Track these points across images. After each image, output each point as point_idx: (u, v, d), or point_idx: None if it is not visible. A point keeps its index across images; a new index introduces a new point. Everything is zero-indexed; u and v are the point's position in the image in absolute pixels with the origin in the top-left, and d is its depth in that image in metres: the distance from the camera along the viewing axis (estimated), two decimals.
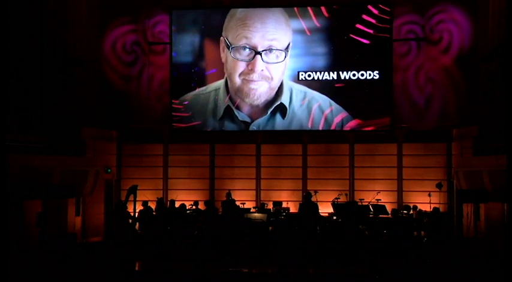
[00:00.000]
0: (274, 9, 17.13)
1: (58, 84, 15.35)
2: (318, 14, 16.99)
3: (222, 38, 17.12)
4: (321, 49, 17.00)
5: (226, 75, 17.18)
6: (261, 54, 16.85)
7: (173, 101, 17.49)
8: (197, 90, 17.41)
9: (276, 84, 16.97)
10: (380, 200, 15.71)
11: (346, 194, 16.86)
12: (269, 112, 16.99)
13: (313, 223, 13.85)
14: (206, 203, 16.11)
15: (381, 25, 16.74)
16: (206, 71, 17.46)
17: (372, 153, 17.39)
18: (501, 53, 14.06)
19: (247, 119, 17.11)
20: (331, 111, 16.93)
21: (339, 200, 15.71)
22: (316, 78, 16.94)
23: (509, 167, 9.98)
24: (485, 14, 15.43)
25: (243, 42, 16.98)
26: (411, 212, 15.52)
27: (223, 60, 17.20)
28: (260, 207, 16.74)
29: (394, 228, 14.16)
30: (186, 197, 17.15)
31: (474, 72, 16.10)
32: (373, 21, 16.74)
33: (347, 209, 14.92)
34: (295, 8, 17.05)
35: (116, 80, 17.93)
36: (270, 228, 14.59)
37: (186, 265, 12.10)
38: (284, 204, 16.90)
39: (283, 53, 16.89)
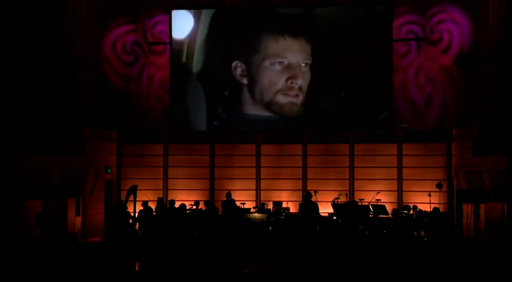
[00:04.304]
0: None
1: (58, 84, 15.35)
2: None
3: None
4: None
5: None
6: None
7: None
8: None
9: None
10: (380, 200, 15.71)
11: (346, 194, 16.87)
12: None
13: (313, 223, 13.85)
14: (206, 203, 16.11)
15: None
16: None
17: (372, 153, 17.40)
18: (501, 53, 14.07)
19: None
20: None
21: (339, 200, 15.71)
22: None
23: (509, 167, 9.96)
24: (485, 14, 15.44)
25: None
26: (411, 212, 15.51)
27: None
28: (260, 207, 16.73)
29: (394, 228, 14.16)
30: (186, 197, 17.18)
31: (474, 72, 16.13)
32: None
33: (347, 209, 14.91)
34: None
35: (116, 80, 17.95)
36: (270, 228, 14.59)
37: (186, 265, 12.09)
38: (284, 204, 16.90)
39: None
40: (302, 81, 16.94)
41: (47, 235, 13.76)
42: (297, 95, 16.98)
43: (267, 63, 17.09)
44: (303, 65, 16.93)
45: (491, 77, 14.95)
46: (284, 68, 16.97)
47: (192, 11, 17.61)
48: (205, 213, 15.09)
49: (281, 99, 17.02)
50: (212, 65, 17.53)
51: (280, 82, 17.00)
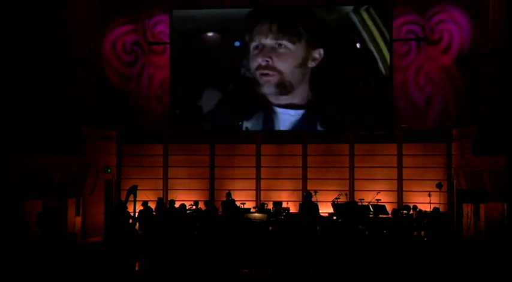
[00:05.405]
0: None
1: (58, 84, 15.35)
2: None
3: None
4: None
5: None
6: None
7: None
8: None
9: None
10: (380, 200, 15.71)
11: (346, 194, 16.87)
12: None
13: (313, 223, 13.84)
14: (206, 203, 16.11)
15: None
16: None
17: (372, 153, 17.39)
18: (501, 53, 14.07)
19: None
20: None
21: (339, 200, 15.70)
22: None
23: (509, 167, 9.96)
24: (485, 14, 15.44)
25: None
26: (411, 212, 15.51)
27: None
28: (260, 207, 16.73)
29: (394, 228, 14.16)
30: (186, 197, 17.17)
31: (474, 72, 16.13)
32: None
33: (347, 209, 14.90)
34: None
35: (116, 80, 17.96)
36: (270, 228, 14.59)
37: (186, 265, 12.09)
38: (284, 204, 16.90)
39: None
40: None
41: (47, 235, 13.75)
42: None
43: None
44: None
45: (491, 77, 14.95)
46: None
47: (192, 10, 17.64)
48: (205, 213, 15.09)
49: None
50: (212, 64, 17.56)
51: None
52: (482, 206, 14.69)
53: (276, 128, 17.33)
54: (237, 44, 17.40)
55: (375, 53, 16.90)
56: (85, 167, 15.77)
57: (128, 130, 17.88)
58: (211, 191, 17.80)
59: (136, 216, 14.99)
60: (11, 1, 12.92)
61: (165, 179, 17.93)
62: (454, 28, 16.81)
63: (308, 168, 17.62)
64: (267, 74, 17.13)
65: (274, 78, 17.13)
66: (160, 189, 17.72)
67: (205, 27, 17.60)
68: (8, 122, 12.03)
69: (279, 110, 17.23)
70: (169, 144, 18.04)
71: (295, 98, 17.17)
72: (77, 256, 12.66)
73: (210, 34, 17.64)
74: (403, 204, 16.62)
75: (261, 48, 17.18)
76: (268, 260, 12.19)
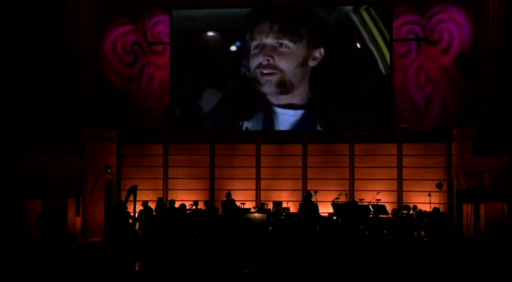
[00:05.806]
0: None
1: (58, 84, 15.35)
2: None
3: None
4: None
5: None
6: None
7: None
8: None
9: None
10: (380, 200, 15.70)
11: (346, 194, 16.87)
12: None
13: (313, 223, 13.84)
14: (206, 203, 16.11)
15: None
16: None
17: (372, 153, 17.39)
18: (501, 53, 14.07)
19: None
20: None
21: (339, 200, 15.70)
22: None
23: (509, 167, 9.96)
24: (485, 14, 15.45)
25: None
26: (411, 212, 15.51)
27: None
28: (260, 207, 16.73)
29: (394, 228, 14.16)
30: (186, 197, 17.16)
31: (474, 72, 16.13)
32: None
33: (347, 209, 14.90)
34: None
35: (116, 80, 17.96)
36: (270, 228, 14.59)
37: (186, 265, 12.09)
38: (284, 204, 16.90)
39: None
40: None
41: (47, 235, 13.75)
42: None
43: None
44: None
45: (491, 77, 14.96)
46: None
47: (192, 10, 17.65)
48: (205, 213, 15.09)
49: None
50: (212, 64, 17.56)
51: None
52: (482, 206, 14.68)
53: (276, 128, 17.34)
54: (237, 44, 17.40)
55: (375, 53, 16.91)
56: (85, 167, 15.77)
57: (128, 130, 17.89)
58: (211, 191, 17.80)
59: (136, 216, 14.99)
60: (11, 1, 12.91)
61: (165, 179, 17.93)
62: (454, 28, 16.82)
63: (308, 168, 17.62)
64: (268, 73, 17.12)
65: (275, 77, 17.13)
66: (160, 189, 17.72)
67: (205, 27, 17.61)
68: (8, 122, 12.03)
69: (279, 110, 17.24)
70: (169, 144, 18.04)
71: (295, 98, 17.17)
72: (77, 256, 12.65)
73: (210, 34, 17.67)
74: (403, 204, 16.62)
75: (262, 47, 17.18)
76: (268, 260, 12.19)
